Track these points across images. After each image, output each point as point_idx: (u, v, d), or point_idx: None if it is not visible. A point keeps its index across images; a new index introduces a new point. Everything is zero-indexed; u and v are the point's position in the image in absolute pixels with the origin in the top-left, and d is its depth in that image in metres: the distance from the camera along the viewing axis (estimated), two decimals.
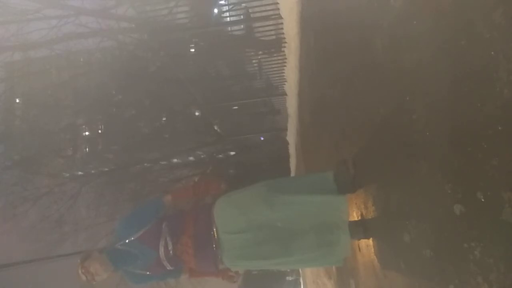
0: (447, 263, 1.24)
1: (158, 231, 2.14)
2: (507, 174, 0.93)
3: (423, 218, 1.41)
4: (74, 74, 13.15)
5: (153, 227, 2.15)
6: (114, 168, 13.70)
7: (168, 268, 2.17)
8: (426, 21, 1.30)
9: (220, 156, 14.93)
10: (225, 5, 8.17)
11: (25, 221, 12.41)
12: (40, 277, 14.45)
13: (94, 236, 12.55)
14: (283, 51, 6.88)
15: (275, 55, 7.38)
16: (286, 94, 8.32)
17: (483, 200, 1.02)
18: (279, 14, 5.91)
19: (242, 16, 7.16)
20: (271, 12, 6.11)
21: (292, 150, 10.79)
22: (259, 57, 8.02)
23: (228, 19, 7.31)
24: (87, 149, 14.93)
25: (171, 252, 2.12)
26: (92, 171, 13.98)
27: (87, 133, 14.81)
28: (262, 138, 13.99)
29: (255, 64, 8.49)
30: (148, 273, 2.20)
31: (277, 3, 5.82)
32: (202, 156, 15.24)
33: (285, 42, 6.53)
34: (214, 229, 2.13)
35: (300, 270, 15.54)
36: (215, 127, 10.44)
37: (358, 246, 2.47)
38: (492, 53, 0.96)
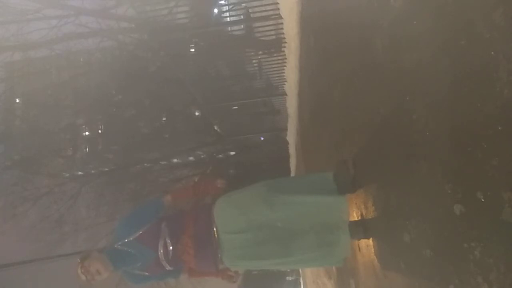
0: (447, 263, 1.24)
1: (157, 231, 2.14)
2: (507, 174, 0.93)
3: (423, 218, 1.41)
4: (74, 74, 13.15)
5: (152, 227, 2.15)
6: (114, 168, 13.70)
7: (167, 269, 2.17)
8: (426, 21, 1.30)
9: (220, 156, 14.93)
10: (225, 5, 8.17)
11: (25, 221, 12.42)
12: (40, 277, 14.44)
13: (94, 236, 12.55)
14: (283, 51, 6.89)
15: (275, 55, 7.38)
16: (286, 94, 8.32)
17: (483, 200, 1.02)
18: (279, 14, 5.91)
19: (242, 16, 7.16)
20: (271, 12, 6.11)
21: (292, 150, 10.80)
22: (259, 57, 8.02)
23: (228, 19, 7.30)
24: (87, 149, 14.94)
25: (170, 252, 2.11)
26: (92, 171, 13.98)
27: (87, 133, 14.81)
28: (262, 138, 13.99)
29: (255, 64, 8.49)
30: (146, 273, 2.20)
31: (277, 3, 5.82)
32: (202, 156, 15.25)
33: (285, 42, 6.53)
34: (214, 229, 2.13)
35: (300, 270, 15.54)
36: (215, 127, 10.44)
37: (358, 246, 2.47)
38: (492, 53, 0.96)
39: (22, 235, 12.52)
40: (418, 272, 1.51)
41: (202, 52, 7.91)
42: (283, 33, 6.42)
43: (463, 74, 1.09)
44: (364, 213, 2.25)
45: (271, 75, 8.35)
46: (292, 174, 11.66)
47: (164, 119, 13.51)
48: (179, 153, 14.51)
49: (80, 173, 14.21)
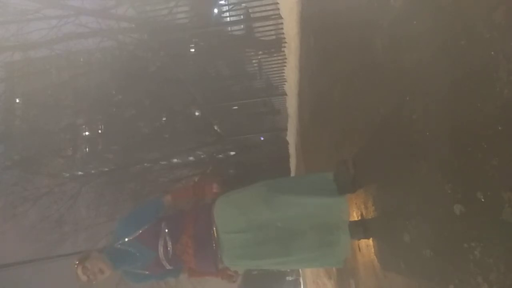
0: (447, 263, 1.24)
1: (157, 231, 2.14)
2: (507, 174, 0.93)
3: (423, 218, 1.41)
4: (74, 74, 13.16)
5: (152, 226, 2.15)
6: (114, 168, 13.71)
7: (167, 268, 2.18)
8: (426, 21, 1.30)
9: (220, 156, 14.93)
10: (225, 5, 8.17)
11: (25, 221, 12.42)
12: (40, 277, 14.44)
13: (94, 236, 12.55)
14: (283, 51, 6.89)
15: (275, 55, 7.38)
16: (286, 94, 8.32)
17: (483, 200, 1.02)
18: (279, 14, 5.91)
19: (242, 16, 7.17)
20: (271, 12, 6.11)
21: (292, 150, 10.80)
22: (259, 57, 8.02)
23: (228, 19, 7.31)
24: (87, 149, 14.95)
25: (170, 252, 2.12)
26: (92, 171, 13.99)
27: (87, 133, 14.82)
28: (262, 138, 13.99)
29: (255, 64, 8.49)
30: (147, 272, 2.20)
31: (277, 3, 5.82)
32: (202, 156, 15.25)
33: (285, 42, 6.53)
34: (214, 229, 2.13)
35: (300, 270, 15.54)
36: (215, 127, 10.44)
37: (358, 246, 2.47)
38: (492, 53, 0.96)
39: (22, 235, 12.53)
40: (418, 272, 1.51)
41: (202, 52, 7.91)
42: (283, 33, 6.42)
43: (463, 74, 1.09)
44: (364, 213, 2.25)
45: (271, 75, 8.35)
46: (292, 174, 11.66)
47: (164, 119, 13.52)
48: (179, 153, 14.52)
49: (80, 173, 14.21)
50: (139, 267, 2.17)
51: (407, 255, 1.61)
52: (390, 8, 1.62)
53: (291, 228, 2.09)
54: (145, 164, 13.91)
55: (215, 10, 8.09)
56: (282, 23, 6.15)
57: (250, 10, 7.05)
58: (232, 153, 14.69)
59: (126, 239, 2.13)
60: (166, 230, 2.14)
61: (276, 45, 7.09)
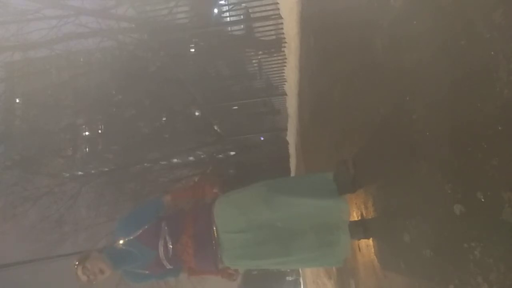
0: (447, 263, 1.24)
1: (157, 231, 2.14)
2: (507, 174, 0.93)
3: (423, 218, 1.41)
4: (74, 74, 13.16)
5: (152, 226, 2.15)
6: (114, 168, 13.71)
7: (167, 268, 2.18)
8: (426, 21, 1.30)
9: (220, 156, 14.94)
10: (225, 5, 8.17)
11: (25, 221, 12.42)
12: (40, 277, 14.45)
13: (94, 236, 12.55)
14: (283, 51, 6.89)
15: (275, 55, 7.38)
16: (286, 94, 8.32)
17: (483, 200, 1.02)
18: (279, 14, 5.91)
19: (242, 16, 7.16)
20: (271, 12, 6.11)
21: (292, 150, 10.80)
22: (259, 57, 8.02)
23: (228, 19, 7.31)
24: (87, 149, 14.95)
25: (170, 251, 2.12)
26: (92, 171, 13.99)
27: (87, 133, 14.82)
28: (262, 138, 13.99)
29: (255, 64, 8.49)
30: (147, 272, 2.20)
31: (277, 3, 5.82)
32: (202, 156, 15.25)
33: (285, 42, 6.53)
34: (214, 229, 2.13)
35: (300, 270, 15.54)
36: (215, 127, 10.45)
37: (358, 246, 2.47)
38: (492, 53, 0.96)
39: (22, 235, 12.52)
40: (418, 272, 1.51)
41: (202, 52, 7.91)
42: (283, 33, 6.42)
43: (463, 74, 1.09)
44: (364, 213, 2.25)
45: (271, 75, 8.35)
46: (292, 174, 11.66)
47: (164, 119, 13.52)
48: (179, 153, 14.52)
49: (80, 173, 14.21)
50: (139, 267, 2.17)
51: (407, 255, 1.61)
52: (390, 8, 1.62)
53: (291, 228, 2.09)
54: (145, 164, 13.91)
55: (215, 10, 8.09)
56: (282, 23, 6.15)
57: (250, 10, 7.05)
58: (232, 153, 14.69)
59: (127, 239, 2.13)
60: (166, 230, 2.14)
61: (276, 45, 7.09)
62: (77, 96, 13.34)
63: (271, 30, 6.87)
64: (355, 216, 2.39)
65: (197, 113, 12.82)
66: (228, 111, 10.07)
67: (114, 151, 14.21)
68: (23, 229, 12.47)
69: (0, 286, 13.60)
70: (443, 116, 1.21)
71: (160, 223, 2.16)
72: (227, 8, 7.63)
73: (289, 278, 18.69)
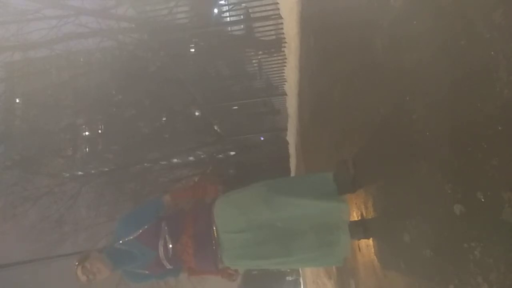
0: (447, 263, 1.24)
1: (157, 231, 2.14)
2: (507, 174, 0.93)
3: (423, 218, 1.41)
4: (74, 74, 13.17)
5: (152, 226, 2.15)
6: (114, 168, 13.71)
7: (167, 268, 2.18)
8: (426, 21, 1.30)
9: (220, 156, 14.94)
10: (225, 5, 8.17)
11: (25, 221, 12.42)
12: (40, 277, 14.45)
13: (94, 236, 12.56)
14: (283, 51, 6.89)
15: (275, 55, 7.38)
16: (286, 94, 8.32)
17: (483, 200, 1.02)
18: (279, 14, 5.91)
19: (242, 16, 7.16)
20: (271, 12, 6.11)
21: (292, 150, 10.80)
22: (259, 57, 8.02)
23: (228, 19, 7.31)
24: (87, 149, 14.95)
25: (170, 251, 2.12)
26: (92, 171, 13.99)
27: (87, 133, 14.82)
28: (262, 138, 13.99)
29: (255, 64, 8.49)
30: (147, 272, 2.20)
31: (277, 3, 5.82)
32: (202, 156, 15.26)
33: (285, 42, 6.53)
34: (214, 229, 2.13)
35: (300, 270, 15.54)
36: (215, 127, 10.44)
37: (358, 246, 2.47)
38: (492, 53, 0.96)
39: (22, 235, 12.52)
40: (418, 272, 1.51)
41: (202, 52, 7.91)
42: (283, 33, 6.42)
43: (463, 74, 1.09)
44: (364, 213, 2.25)
45: (271, 75, 8.35)
46: (292, 174, 11.66)
47: (164, 119, 13.52)
48: (179, 153, 14.52)
49: (80, 173, 14.21)
50: (139, 267, 2.17)
51: (407, 255, 1.61)
52: (390, 8, 1.62)
53: (291, 228, 2.09)
54: (145, 164, 13.91)
55: (215, 10, 8.08)
56: (282, 23, 6.16)
57: (250, 10, 7.05)
58: (232, 153, 14.69)
59: (126, 239, 2.13)
60: (166, 230, 2.14)
61: (276, 45, 7.09)
62: (77, 96, 13.34)
63: (271, 30, 6.87)
64: (355, 216, 2.39)
65: (197, 113, 12.82)
66: (228, 111, 10.07)
67: (114, 151, 14.21)
68: (23, 229, 12.48)
69: (0, 286, 13.59)
70: (443, 116, 1.21)
71: (160, 223, 2.16)
72: (227, 8, 7.63)
73: (289, 278, 18.69)
